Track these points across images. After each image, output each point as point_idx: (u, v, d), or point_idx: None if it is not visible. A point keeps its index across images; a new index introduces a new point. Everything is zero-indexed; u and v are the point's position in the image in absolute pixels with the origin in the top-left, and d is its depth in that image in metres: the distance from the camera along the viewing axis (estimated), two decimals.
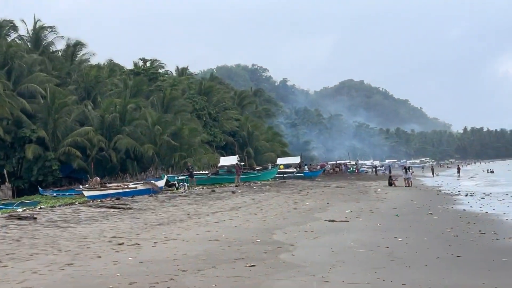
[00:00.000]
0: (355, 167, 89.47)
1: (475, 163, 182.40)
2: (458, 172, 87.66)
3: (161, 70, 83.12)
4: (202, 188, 40.10)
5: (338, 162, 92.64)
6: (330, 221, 19.22)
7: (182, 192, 34.86)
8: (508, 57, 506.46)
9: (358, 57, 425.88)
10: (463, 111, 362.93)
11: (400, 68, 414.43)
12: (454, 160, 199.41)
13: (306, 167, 69.80)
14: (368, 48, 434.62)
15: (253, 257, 11.61)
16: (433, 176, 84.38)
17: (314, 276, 9.59)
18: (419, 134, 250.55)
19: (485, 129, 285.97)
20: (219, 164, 57.40)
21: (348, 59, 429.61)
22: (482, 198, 30.97)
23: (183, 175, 45.87)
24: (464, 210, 23.70)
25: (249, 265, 10.65)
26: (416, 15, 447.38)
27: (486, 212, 22.18)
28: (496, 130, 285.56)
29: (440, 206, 25.83)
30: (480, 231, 15.77)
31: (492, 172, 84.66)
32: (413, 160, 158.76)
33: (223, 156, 64.84)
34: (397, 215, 21.55)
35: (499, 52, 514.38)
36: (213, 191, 35.45)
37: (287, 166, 68.95)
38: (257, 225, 18.05)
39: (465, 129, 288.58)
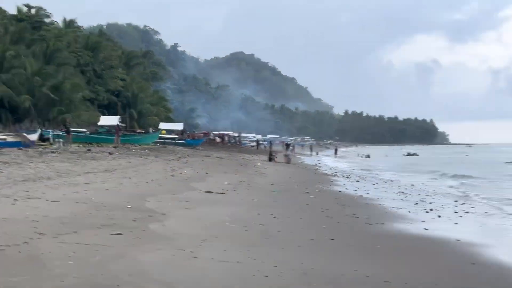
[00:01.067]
0: (237, 139, 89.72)
1: (352, 146, 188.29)
2: (336, 153, 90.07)
3: (47, 20, 79.16)
4: (78, 146, 38.56)
5: (221, 132, 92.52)
6: (206, 192, 18.73)
7: (55, 149, 33.24)
8: (393, 47, 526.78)
9: (251, 30, 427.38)
10: (346, 94, 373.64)
11: (291, 46, 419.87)
12: (333, 141, 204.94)
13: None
14: (262, 23, 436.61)
15: (121, 224, 10.86)
16: (312, 155, 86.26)
17: (183, 250, 9.01)
18: (302, 113, 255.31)
19: (364, 114, 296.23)
20: (99, 123, 55.65)
21: (241, 31, 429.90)
22: (357, 181, 31.62)
23: (60, 130, 43.99)
24: (339, 191, 23.95)
25: (115, 233, 9.91)
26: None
27: (361, 196, 22.49)
28: (375, 116, 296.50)
29: (317, 185, 26.03)
30: (354, 214, 15.79)
31: (368, 156, 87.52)
32: (294, 138, 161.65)
33: (105, 115, 62.96)
34: (274, 191, 21.40)
35: (385, 41, 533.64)
36: (89, 150, 34.13)
37: (169, 132, 68.02)
38: (131, 190, 17.26)
39: (346, 112, 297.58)
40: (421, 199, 22.03)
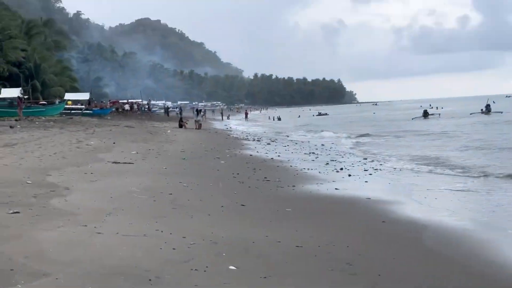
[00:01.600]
0: (147, 107, 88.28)
1: (263, 109, 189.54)
2: (246, 117, 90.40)
3: None
4: None
5: (130, 101, 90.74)
6: (113, 162, 18.09)
7: None
8: (299, 9, 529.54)
9: None
10: (255, 58, 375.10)
11: (198, 11, 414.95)
12: (243, 105, 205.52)
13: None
14: None
15: (20, 202, 10.19)
16: (223, 119, 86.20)
17: (86, 226, 8.52)
18: (212, 78, 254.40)
19: (274, 77, 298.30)
20: (0, 96, 53.28)
21: None
22: (268, 144, 31.66)
23: None
24: (251, 155, 23.83)
25: (11, 211, 9.26)
26: None
27: (272, 158, 22.44)
28: (284, 78, 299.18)
29: (228, 150, 25.80)
30: (266, 178, 15.66)
31: (279, 119, 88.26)
32: (205, 103, 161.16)
33: (6, 88, 60.33)
34: (184, 158, 21.01)
35: (291, 3, 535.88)
36: None
37: (76, 102, 66.11)
38: (32, 164, 16.38)
39: (255, 75, 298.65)
40: (332, 159, 22.24)
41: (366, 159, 22.61)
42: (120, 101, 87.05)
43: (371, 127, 53.17)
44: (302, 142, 34.55)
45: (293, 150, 27.24)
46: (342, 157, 23.66)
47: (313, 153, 25.32)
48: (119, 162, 18.15)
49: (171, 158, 20.87)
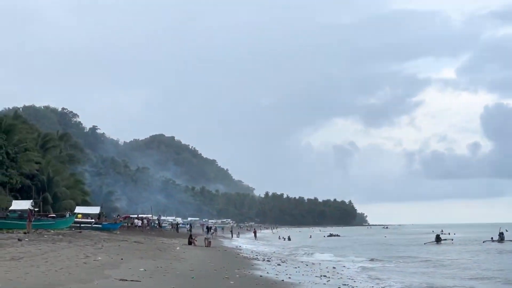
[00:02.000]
0: (157, 222, 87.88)
1: (274, 228, 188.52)
2: (255, 235, 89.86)
3: None
4: None
5: (140, 216, 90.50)
6: (120, 280, 17.64)
7: None
8: (311, 130, 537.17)
9: (171, 113, 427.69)
10: (267, 176, 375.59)
11: (211, 129, 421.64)
12: (253, 223, 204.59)
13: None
14: (181, 106, 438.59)
15: None
16: (232, 237, 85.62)
17: None
18: (223, 195, 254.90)
19: (285, 196, 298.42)
20: (11, 208, 53.32)
21: (161, 113, 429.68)
22: (279, 265, 31.02)
23: None
24: (260, 276, 23.25)
25: None
26: (232, 80, 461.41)
27: (282, 280, 21.87)
28: (295, 197, 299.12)
29: (238, 270, 25.23)
30: None
31: (289, 239, 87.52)
32: (215, 220, 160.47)
33: (18, 199, 60.52)
34: (193, 277, 20.49)
35: (304, 124, 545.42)
36: None
37: (86, 215, 65.97)
38: (37, 279, 15.98)
39: (266, 194, 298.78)
40: (344, 283, 21.63)
41: (378, 284, 22.00)
42: (130, 216, 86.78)
43: (383, 250, 52.38)
44: (313, 264, 33.88)
45: (304, 272, 26.64)
46: (354, 281, 23.05)
47: (325, 276, 24.73)
48: (126, 280, 17.70)
49: (180, 277, 20.36)
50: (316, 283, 21.28)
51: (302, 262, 35.21)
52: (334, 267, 31.18)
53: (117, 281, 17.41)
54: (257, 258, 36.88)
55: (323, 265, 33.23)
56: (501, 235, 68.38)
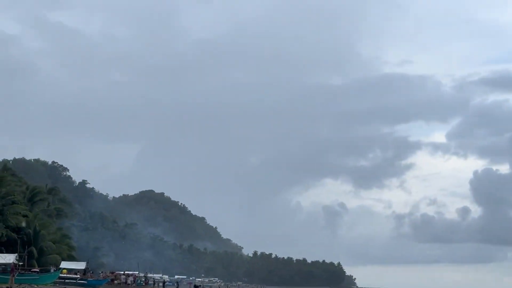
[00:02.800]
0: (143, 279, 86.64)
1: None
2: None
3: None
4: None
5: (127, 272, 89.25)
6: None
7: None
8: (300, 190, 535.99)
9: (161, 169, 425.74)
10: (255, 235, 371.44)
11: (201, 185, 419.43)
12: (241, 282, 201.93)
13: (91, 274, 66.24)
14: (171, 162, 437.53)
15: None
16: None
17: None
18: (211, 253, 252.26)
19: (273, 256, 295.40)
20: None
21: (150, 169, 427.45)
22: None
23: None
24: None
25: None
26: (222, 138, 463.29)
27: None
28: (283, 257, 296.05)
29: None
30: None
31: None
32: (202, 279, 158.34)
33: (3, 253, 59.60)
34: None
35: (293, 183, 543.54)
36: None
37: (71, 271, 65.01)
38: None
39: (255, 253, 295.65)
40: None
41: None
42: (117, 272, 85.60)
43: None
44: None
45: None
46: None
47: None
48: None
49: None
50: None
51: None
52: None
53: None
54: None
55: None
56: None
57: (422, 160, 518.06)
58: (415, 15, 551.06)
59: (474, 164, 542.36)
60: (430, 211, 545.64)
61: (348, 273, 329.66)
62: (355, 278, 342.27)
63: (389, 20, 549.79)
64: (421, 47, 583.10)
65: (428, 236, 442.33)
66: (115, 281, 73.49)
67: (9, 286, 40.15)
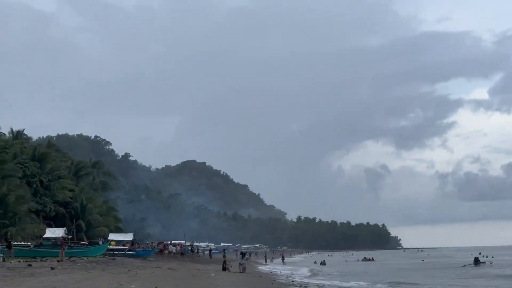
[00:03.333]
0: (189, 248, 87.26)
1: (305, 252, 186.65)
2: (283, 259, 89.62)
3: None
4: (19, 261, 36.12)
5: (174, 242, 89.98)
6: None
7: None
8: (342, 154, 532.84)
9: (202, 139, 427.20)
10: (299, 201, 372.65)
11: (242, 154, 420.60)
12: (286, 247, 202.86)
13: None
14: (212, 132, 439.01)
15: None
16: (266, 262, 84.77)
17: None
18: (255, 220, 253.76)
19: (317, 220, 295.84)
20: (45, 236, 53.25)
21: (191, 140, 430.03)
22: None
23: (1, 245, 41.56)
24: None
25: None
26: (260, 106, 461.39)
27: None
28: (327, 221, 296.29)
29: None
30: None
31: (324, 263, 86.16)
32: (248, 245, 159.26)
33: (52, 227, 60.47)
34: None
35: (335, 147, 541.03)
36: (29, 265, 31.64)
37: (119, 242, 65.74)
38: None
39: (298, 218, 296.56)
40: None
41: None
42: (165, 242, 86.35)
43: (422, 277, 50.80)
44: None
45: None
46: None
47: None
48: None
49: None
50: None
51: (340, 287, 34.25)
52: None
53: None
54: (294, 284, 35.99)
55: None
56: None
57: (464, 117, 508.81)
58: None
59: None
60: (474, 169, 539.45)
61: (393, 234, 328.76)
62: (400, 239, 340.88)
63: None
64: (459, 2, 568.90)
65: (473, 194, 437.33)
66: (165, 251, 74.17)
67: (59, 259, 40.62)
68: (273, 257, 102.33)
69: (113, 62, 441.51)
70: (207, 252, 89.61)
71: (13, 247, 41.31)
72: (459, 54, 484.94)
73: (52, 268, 30.71)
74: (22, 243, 49.42)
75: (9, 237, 42.28)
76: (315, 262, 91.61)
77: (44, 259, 41.29)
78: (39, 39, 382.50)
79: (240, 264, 45.79)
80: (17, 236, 51.98)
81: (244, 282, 33.73)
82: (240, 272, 43.80)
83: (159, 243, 79.74)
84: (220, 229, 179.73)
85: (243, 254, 48.44)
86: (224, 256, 51.85)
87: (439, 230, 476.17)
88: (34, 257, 42.71)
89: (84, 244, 57.01)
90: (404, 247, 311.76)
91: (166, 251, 74.57)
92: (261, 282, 35.67)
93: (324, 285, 35.33)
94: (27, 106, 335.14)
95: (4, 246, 40.27)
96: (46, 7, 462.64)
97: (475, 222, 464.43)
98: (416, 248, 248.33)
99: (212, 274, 38.92)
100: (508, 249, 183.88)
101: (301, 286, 34.05)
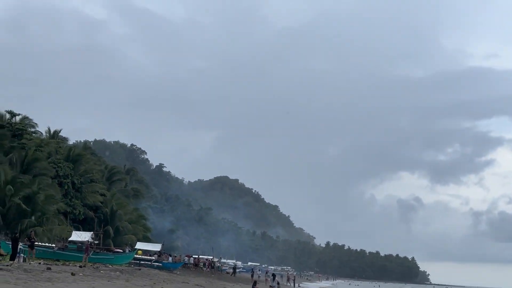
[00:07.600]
0: (218, 264, 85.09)
1: (332, 279, 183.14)
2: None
3: (31, 130, 76.20)
4: (40, 263, 34.32)
5: (201, 256, 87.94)
6: None
7: (6, 265, 28.44)
8: (376, 182, 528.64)
9: (237, 156, 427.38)
10: (328, 226, 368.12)
11: (275, 173, 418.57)
12: (313, 272, 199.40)
13: (170, 257, 65.07)
14: (247, 149, 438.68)
15: None
16: (294, 287, 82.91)
17: None
18: (284, 241, 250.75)
19: (346, 247, 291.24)
20: (70, 239, 51.78)
21: (226, 156, 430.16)
22: None
23: (24, 244, 39.96)
24: None
25: None
26: (299, 128, 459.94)
27: None
28: (356, 249, 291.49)
29: None
30: None
31: None
32: (275, 267, 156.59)
33: (79, 230, 59.02)
34: None
35: (369, 176, 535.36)
36: (49, 268, 29.60)
37: (146, 252, 64.09)
38: None
39: (327, 243, 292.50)
40: None
41: None
42: (193, 256, 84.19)
43: None
44: None
45: None
46: None
47: None
48: None
49: None
50: None
51: None
52: None
53: None
54: None
55: None
56: None
57: (502, 156, 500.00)
58: (502, 7, 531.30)
59: None
60: (509, 209, 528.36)
61: (422, 268, 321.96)
62: (429, 274, 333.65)
63: (474, 11, 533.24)
64: (508, 40, 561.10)
65: (506, 234, 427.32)
66: (198, 266, 72.26)
67: (82, 264, 38.75)
68: (299, 284, 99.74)
69: (156, 73, 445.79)
70: (231, 270, 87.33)
71: (36, 247, 39.65)
72: (504, 92, 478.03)
73: (72, 274, 28.71)
74: (47, 244, 47.92)
75: (32, 237, 40.52)
76: None
77: (67, 263, 39.60)
78: (87, 45, 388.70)
79: (270, 286, 43.59)
80: (43, 236, 50.50)
81: None
82: None
83: (193, 257, 77.74)
84: (248, 248, 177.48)
85: (274, 275, 46.24)
86: (252, 276, 49.71)
87: (469, 268, 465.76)
88: (57, 260, 41.24)
89: (110, 250, 55.43)
90: (432, 283, 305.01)
91: (200, 266, 72.80)
92: None
93: None
94: (68, 108, 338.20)
95: (26, 246, 38.59)
96: (97, 14, 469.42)
97: (506, 264, 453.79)
98: (445, 285, 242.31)
99: None
100: None
101: None
